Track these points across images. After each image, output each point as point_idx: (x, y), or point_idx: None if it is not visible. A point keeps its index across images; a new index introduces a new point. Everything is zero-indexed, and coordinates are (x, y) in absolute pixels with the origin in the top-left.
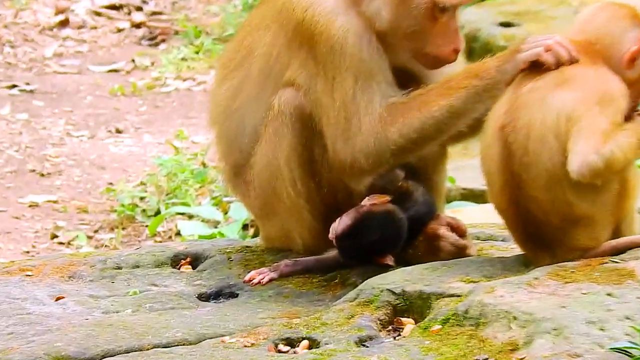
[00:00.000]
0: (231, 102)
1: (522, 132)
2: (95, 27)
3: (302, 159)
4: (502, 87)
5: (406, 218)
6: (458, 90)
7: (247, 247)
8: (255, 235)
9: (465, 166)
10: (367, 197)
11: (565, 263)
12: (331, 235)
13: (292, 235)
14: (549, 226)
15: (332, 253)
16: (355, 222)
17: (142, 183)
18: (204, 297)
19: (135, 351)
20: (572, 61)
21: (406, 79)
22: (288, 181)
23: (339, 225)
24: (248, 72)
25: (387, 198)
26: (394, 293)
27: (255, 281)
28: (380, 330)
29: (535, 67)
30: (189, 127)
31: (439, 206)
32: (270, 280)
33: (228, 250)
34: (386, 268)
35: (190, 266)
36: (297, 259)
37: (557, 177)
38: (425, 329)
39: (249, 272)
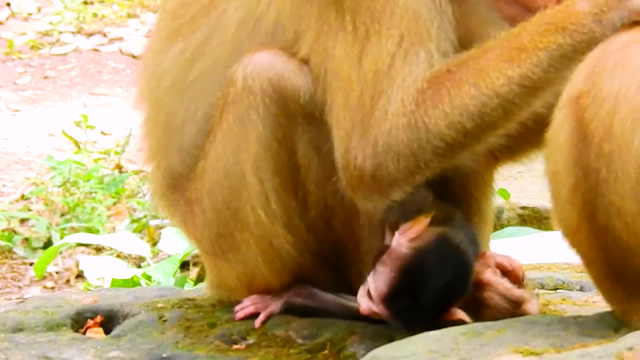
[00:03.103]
0: (184, 72)
1: (606, 106)
2: None
3: (279, 162)
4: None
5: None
6: (535, 53)
7: (188, 299)
8: (200, 280)
9: (524, 174)
10: (396, 232)
11: None
12: (365, 305)
13: (257, 282)
14: None
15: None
16: (403, 272)
17: (23, 197)
18: None
19: None
20: None
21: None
22: (256, 197)
23: (376, 283)
24: (218, 26)
25: (426, 219)
26: None
27: (240, 314)
28: None
29: None
30: (96, 110)
31: (483, 239)
32: (270, 316)
33: (159, 306)
34: (399, 332)
35: (101, 329)
36: (316, 291)
37: None
38: None
39: (191, 338)
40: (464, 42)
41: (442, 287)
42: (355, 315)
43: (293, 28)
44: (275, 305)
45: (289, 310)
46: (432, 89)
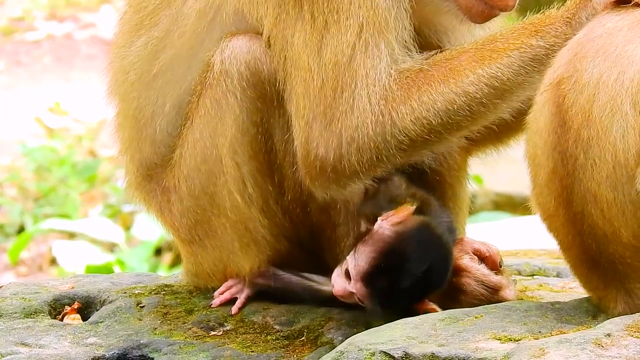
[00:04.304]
0: (148, 65)
1: (585, 92)
2: None
3: (256, 146)
4: None
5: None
6: (506, 54)
7: (166, 286)
8: (174, 265)
9: (498, 159)
10: (379, 218)
11: None
12: (339, 286)
13: (235, 267)
14: (618, 244)
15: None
16: (385, 252)
17: None
18: None
19: None
20: None
21: (435, 44)
22: (233, 181)
23: (357, 260)
24: (178, 17)
25: (411, 208)
26: (392, 357)
27: (216, 302)
28: None
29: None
30: (69, 96)
31: (459, 225)
32: (246, 300)
33: (136, 292)
34: (376, 320)
35: (78, 315)
36: (280, 272)
37: (629, 167)
38: None
39: (168, 324)
40: (419, 31)
41: (421, 274)
42: (322, 298)
43: (253, 15)
44: (249, 290)
45: (263, 293)
46: (402, 89)
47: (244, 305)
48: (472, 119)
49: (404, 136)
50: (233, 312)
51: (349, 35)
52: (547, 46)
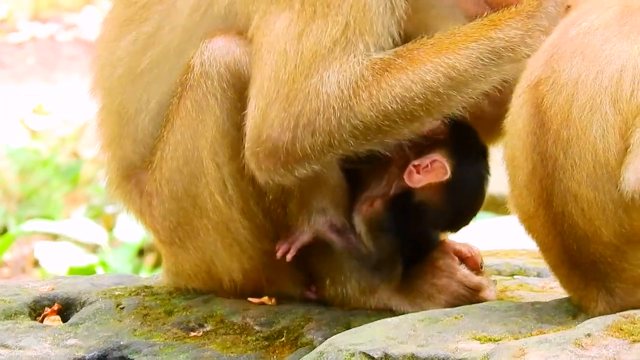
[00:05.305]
0: (136, 61)
1: (564, 92)
2: None
3: (236, 147)
4: (539, 43)
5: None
6: (465, 45)
7: (145, 287)
8: (156, 266)
9: None
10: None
11: (635, 311)
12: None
13: (216, 268)
14: (598, 243)
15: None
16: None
17: None
18: None
19: None
20: None
21: None
22: (214, 183)
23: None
24: (170, 13)
25: None
26: (372, 358)
27: (289, 256)
28: None
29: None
30: (52, 97)
31: None
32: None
33: (117, 293)
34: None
35: (58, 317)
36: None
37: (610, 166)
38: None
39: (148, 326)
40: (416, 37)
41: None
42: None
43: (245, 11)
44: (305, 236)
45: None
46: (372, 74)
47: (297, 251)
48: (427, 109)
49: (359, 121)
50: (288, 259)
51: (335, 30)
52: (507, 39)
